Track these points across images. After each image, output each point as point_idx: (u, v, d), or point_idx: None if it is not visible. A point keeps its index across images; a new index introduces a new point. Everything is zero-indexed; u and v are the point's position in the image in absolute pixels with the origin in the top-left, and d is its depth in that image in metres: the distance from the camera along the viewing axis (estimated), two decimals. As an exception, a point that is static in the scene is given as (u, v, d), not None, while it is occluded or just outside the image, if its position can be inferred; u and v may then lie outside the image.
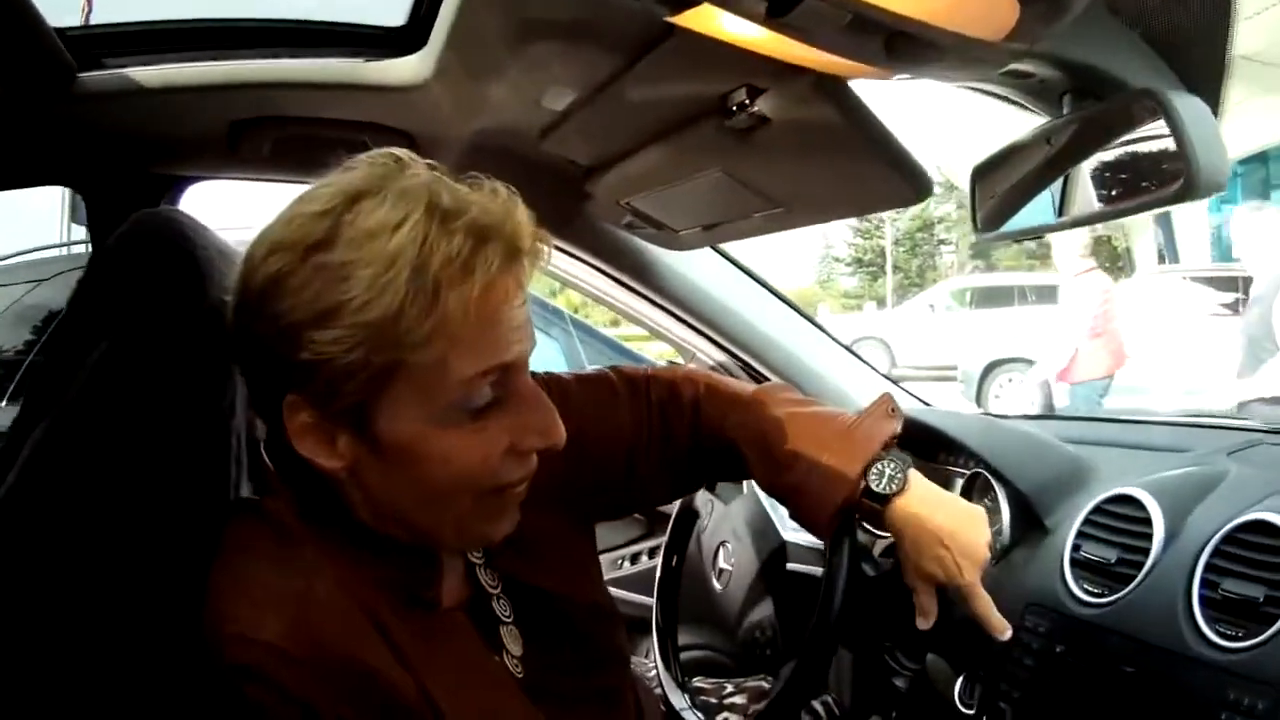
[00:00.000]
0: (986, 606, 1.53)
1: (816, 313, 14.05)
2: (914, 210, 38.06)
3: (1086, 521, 1.71)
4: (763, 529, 2.18)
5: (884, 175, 1.58)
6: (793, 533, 2.01)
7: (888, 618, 1.72)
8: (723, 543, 2.31)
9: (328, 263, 1.04)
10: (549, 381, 1.50)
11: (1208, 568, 1.46)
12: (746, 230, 2.07)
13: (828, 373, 2.72)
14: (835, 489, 1.50)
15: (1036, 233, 1.54)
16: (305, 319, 1.04)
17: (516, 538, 1.27)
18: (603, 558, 2.71)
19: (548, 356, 4.46)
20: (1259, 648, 1.34)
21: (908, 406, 2.33)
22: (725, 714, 1.95)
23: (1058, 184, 1.47)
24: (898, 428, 1.57)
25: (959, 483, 2.04)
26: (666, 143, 1.75)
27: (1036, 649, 1.64)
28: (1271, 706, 1.29)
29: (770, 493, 1.63)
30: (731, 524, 2.30)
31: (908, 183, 1.58)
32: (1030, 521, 1.86)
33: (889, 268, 37.43)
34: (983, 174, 1.57)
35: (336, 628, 1.12)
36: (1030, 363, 12.73)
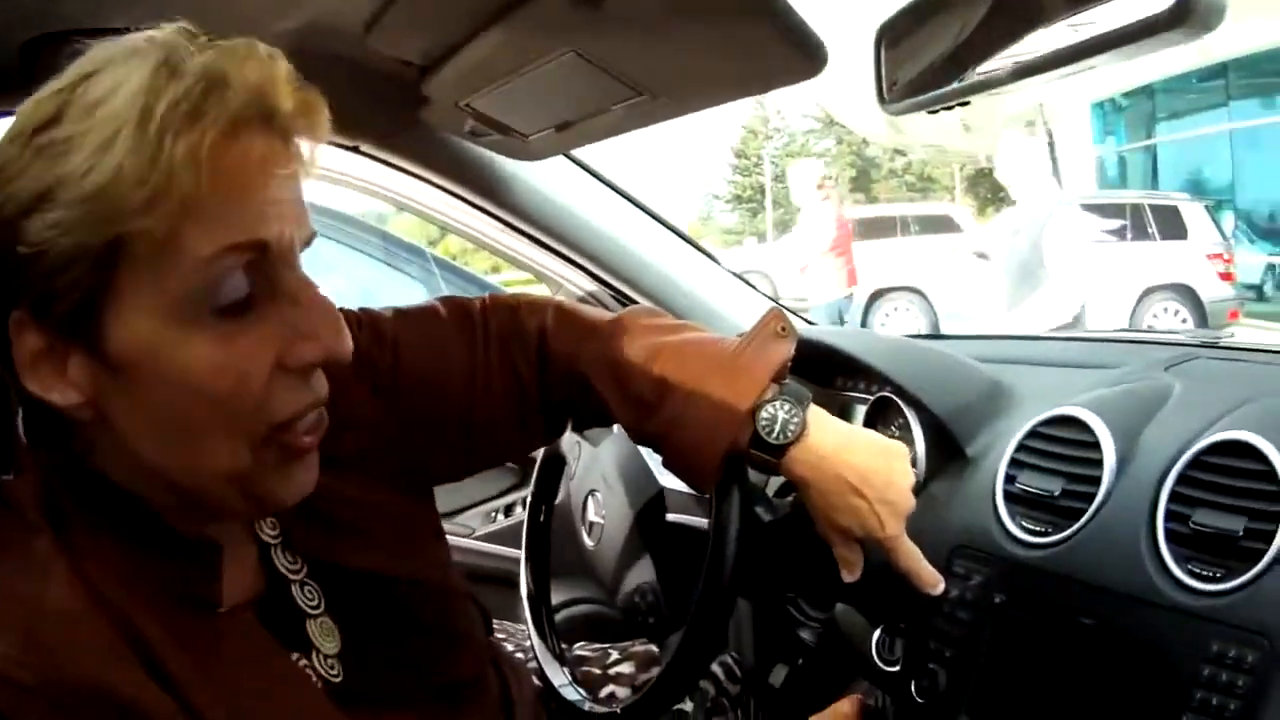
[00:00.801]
0: (914, 559, 1.33)
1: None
2: (793, 146, 38.40)
3: (1020, 448, 1.49)
4: (636, 474, 1.90)
5: (769, 45, 1.32)
6: (672, 477, 1.73)
7: (788, 565, 1.51)
8: (592, 491, 2.01)
9: (52, 139, 0.87)
10: (360, 318, 1.30)
11: (1173, 497, 1.26)
12: (606, 128, 1.79)
13: (712, 299, 2.43)
14: (717, 432, 1.26)
15: (964, 95, 1.25)
16: (20, 207, 0.86)
17: (323, 510, 1.10)
18: (474, 511, 2.73)
19: (410, 299, 4.19)
20: (1243, 589, 1.15)
21: (804, 328, 2.07)
22: (611, 686, 1.72)
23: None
24: (790, 350, 1.33)
25: (861, 410, 1.81)
26: (506, 23, 1.46)
27: (970, 600, 1.41)
28: (1264, 658, 1.11)
29: (638, 440, 1.39)
30: (601, 469, 2.00)
31: (799, 52, 1.31)
32: (949, 450, 1.64)
33: (768, 203, 37.37)
34: (893, 33, 1.31)
35: (74, 643, 0.89)
36: (916, 291, 12.90)
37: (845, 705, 1.87)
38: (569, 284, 2.47)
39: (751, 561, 1.36)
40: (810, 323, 2.49)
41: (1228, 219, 15.25)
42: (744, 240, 32.48)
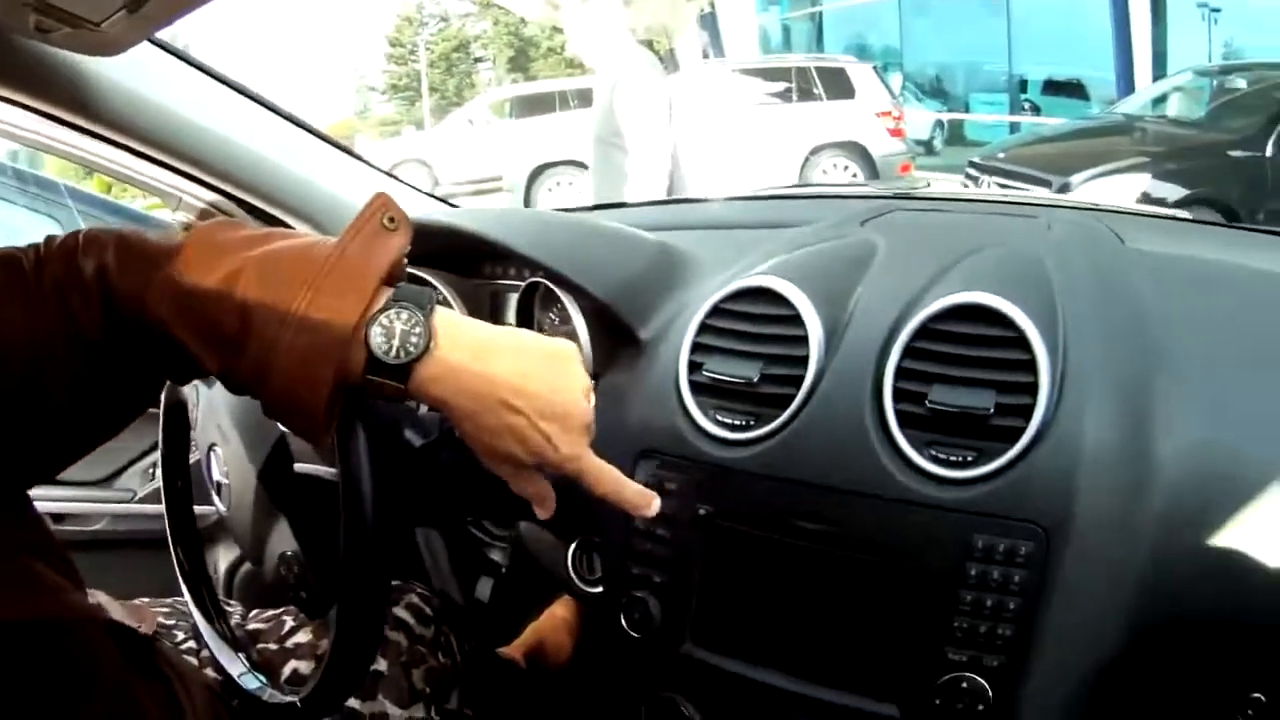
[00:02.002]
0: (610, 481, 1.01)
1: (354, 144, 13.50)
2: (449, 31, 37.53)
3: (703, 329, 1.20)
4: (253, 419, 1.46)
5: None
6: None
7: (454, 487, 1.23)
8: (212, 446, 1.58)
9: None
10: None
11: (901, 373, 1.05)
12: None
13: (354, 199, 1.98)
14: (318, 364, 0.91)
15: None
16: None
17: None
18: (131, 471, 2.28)
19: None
20: (1003, 473, 0.98)
21: (437, 211, 1.68)
22: (292, 663, 1.38)
23: None
24: (403, 244, 0.98)
25: (514, 299, 1.48)
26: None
27: (671, 515, 1.14)
28: (1040, 548, 0.96)
29: (233, 389, 1.02)
30: (216, 418, 1.56)
31: None
32: (618, 336, 1.34)
33: (425, 90, 36.50)
34: None
35: None
36: (579, 164, 12.67)
37: (560, 608, 1.77)
38: (189, 198, 2.05)
39: (413, 492, 1.15)
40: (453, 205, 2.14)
41: (895, 79, 15.58)
42: (402, 130, 31.61)
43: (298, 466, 1.34)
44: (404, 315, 0.91)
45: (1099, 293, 1.10)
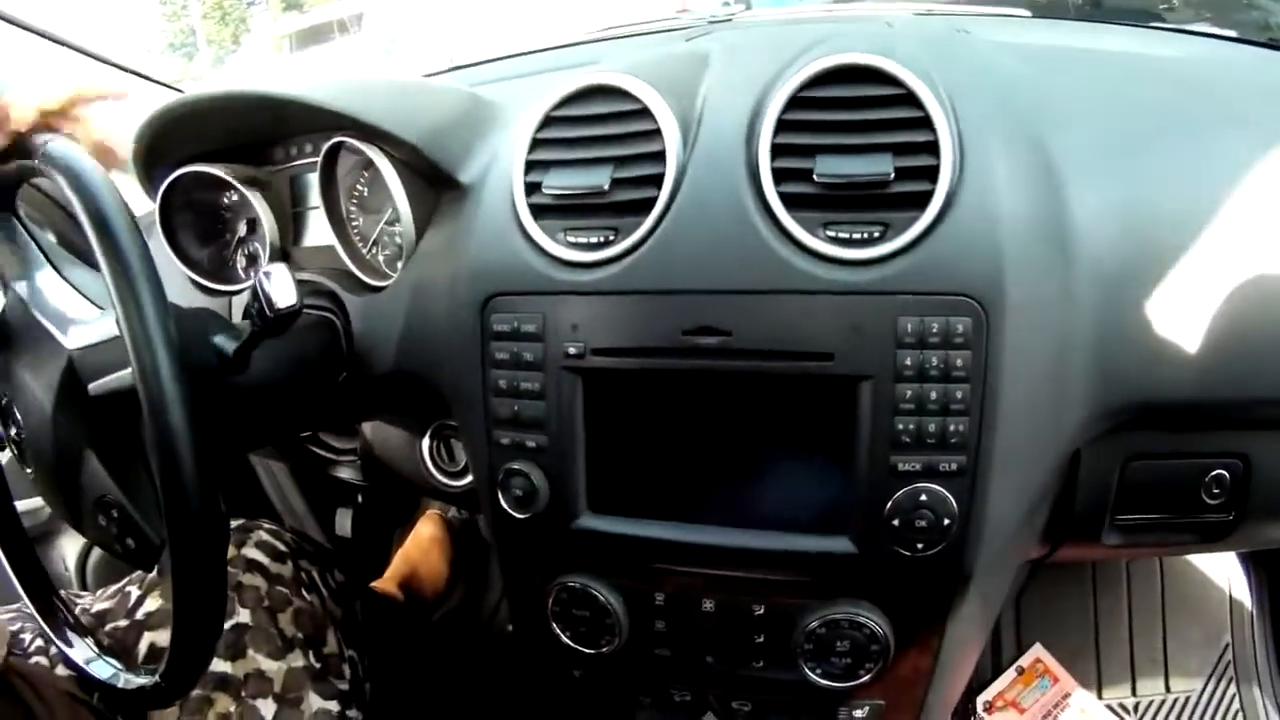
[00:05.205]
0: None
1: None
2: (209, -17, 36.33)
3: (536, 144, 1.01)
4: (36, 342, 1.11)
5: None
6: (79, 331, 1.08)
7: (283, 392, 1.10)
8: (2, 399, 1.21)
9: None
10: None
11: (778, 151, 0.89)
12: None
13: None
14: None
15: None
16: None
17: None
18: None
19: None
20: (921, 242, 0.85)
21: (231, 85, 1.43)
22: (147, 636, 1.22)
23: None
24: None
25: (314, 180, 1.23)
26: None
27: (534, 361, 0.98)
28: (978, 323, 0.84)
29: None
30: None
31: None
32: (437, 184, 1.15)
33: (202, 43, 35.18)
34: None
35: None
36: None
37: (426, 527, 1.71)
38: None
39: (237, 409, 1.00)
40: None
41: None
42: (182, 86, 30.76)
43: (92, 387, 1.10)
44: None
45: (966, 65, 0.97)
